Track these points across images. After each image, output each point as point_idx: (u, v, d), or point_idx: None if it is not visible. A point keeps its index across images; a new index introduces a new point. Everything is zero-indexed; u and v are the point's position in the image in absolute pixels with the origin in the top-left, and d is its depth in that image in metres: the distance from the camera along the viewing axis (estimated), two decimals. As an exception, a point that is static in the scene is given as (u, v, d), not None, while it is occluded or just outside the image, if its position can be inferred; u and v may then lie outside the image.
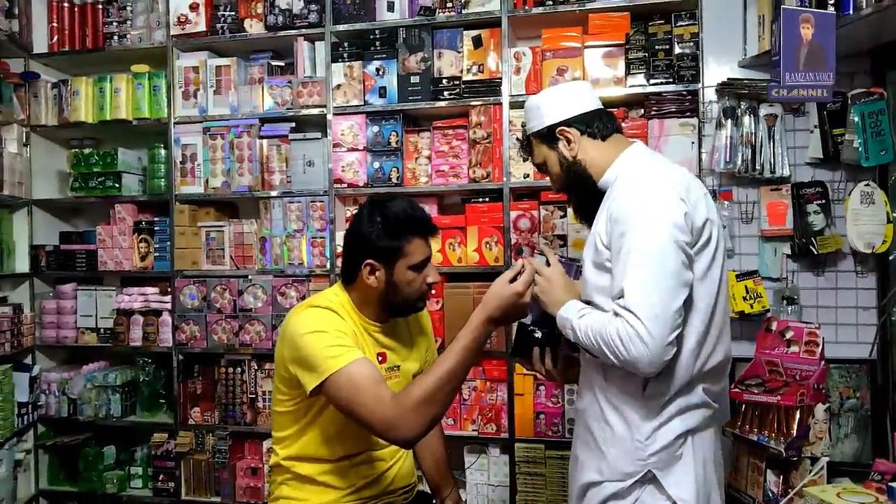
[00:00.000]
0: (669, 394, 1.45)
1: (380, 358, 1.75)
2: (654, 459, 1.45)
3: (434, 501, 1.96)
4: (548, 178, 1.73)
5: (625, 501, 1.48)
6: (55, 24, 3.03)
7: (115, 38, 3.00)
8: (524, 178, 2.56)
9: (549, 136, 1.64)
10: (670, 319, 1.36)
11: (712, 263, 1.47)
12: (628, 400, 1.48)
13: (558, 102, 1.63)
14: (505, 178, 2.58)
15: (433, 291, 1.73)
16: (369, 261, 1.66)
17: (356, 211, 1.77)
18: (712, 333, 1.49)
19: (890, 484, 1.63)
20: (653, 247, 1.39)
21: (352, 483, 1.72)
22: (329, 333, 1.58)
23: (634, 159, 1.58)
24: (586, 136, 1.61)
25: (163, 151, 2.96)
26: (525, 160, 2.54)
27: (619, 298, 1.40)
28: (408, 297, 1.70)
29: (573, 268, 1.65)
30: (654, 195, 1.44)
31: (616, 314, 1.39)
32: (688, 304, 1.43)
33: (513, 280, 1.56)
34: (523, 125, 1.75)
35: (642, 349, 1.34)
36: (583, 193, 1.64)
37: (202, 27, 2.87)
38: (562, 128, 1.62)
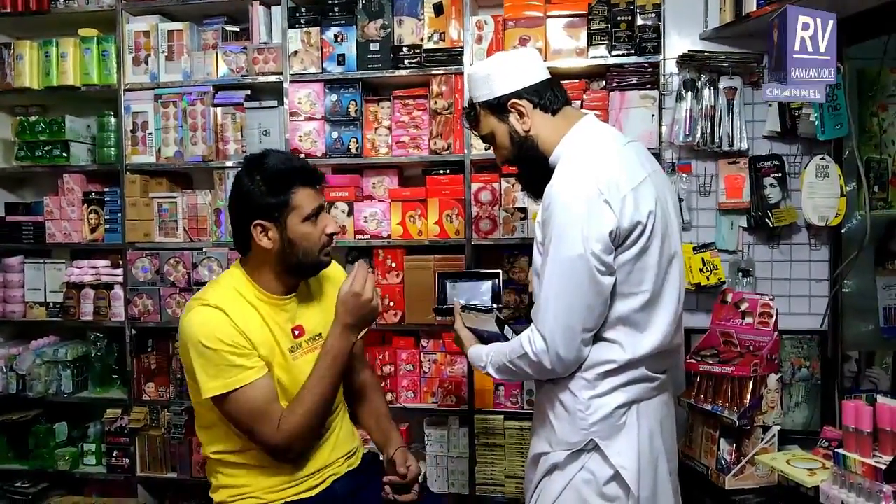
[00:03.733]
0: (606, 368, 1.47)
1: (296, 332, 1.70)
2: (595, 429, 1.48)
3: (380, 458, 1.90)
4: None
5: (570, 468, 1.51)
6: (-5, -16, 2.88)
7: (61, -1, 2.87)
8: (486, 149, 2.53)
9: (499, 107, 1.58)
10: (575, 332, 1.44)
11: (642, 255, 1.44)
12: (573, 375, 1.49)
13: (510, 72, 1.57)
14: (466, 150, 2.55)
15: (335, 243, 1.72)
16: (258, 221, 1.59)
17: (235, 175, 1.67)
18: (653, 321, 1.49)
19: (836, 450, 1.67)
20: (563, 260, 1.41)
21: (290, 460, 1.68)
22: (218, 352, 1.54)
23: (579, 140, 1.53)
24: (538, 110, 1.57)
25: (112, 119, 2.85)
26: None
27: (533, 308, 1.48)
28: (308, 251, 1.64)
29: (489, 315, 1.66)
30: (573, 202, 1.41)
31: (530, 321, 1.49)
32: (616, 294, 1.45)
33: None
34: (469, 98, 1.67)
35: (552, 360, 1.44)
36: (533, 169, 1.61)
37: (153, -11, 2.76)
38: (514, 100, 1.56)
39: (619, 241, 1.42)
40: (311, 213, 1.63)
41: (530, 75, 1.57)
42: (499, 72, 1.57)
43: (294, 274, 1.69)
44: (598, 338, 1.48)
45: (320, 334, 1.74)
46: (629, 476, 1.46)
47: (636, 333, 1.48)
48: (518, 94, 1.56)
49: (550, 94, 1.57)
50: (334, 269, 1.85)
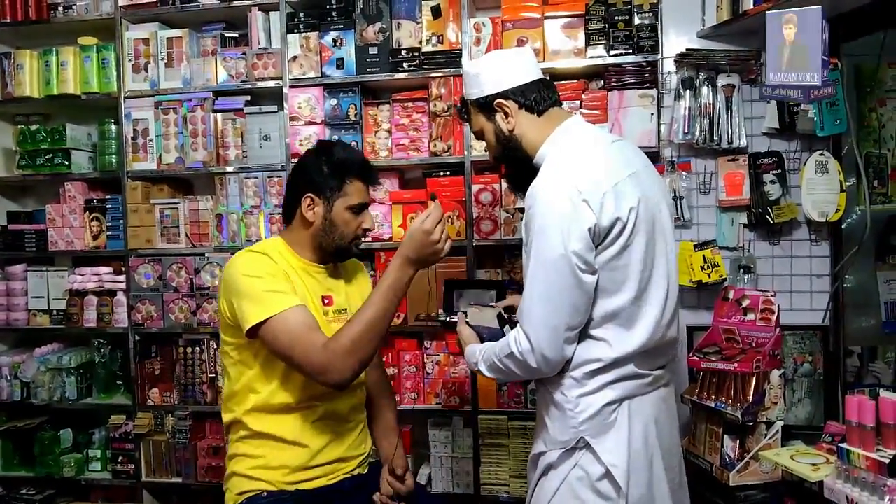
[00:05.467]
0: (594, 366, 1.48)
1: (325, 301, 1.79)
2: (584, 427, 1.48)
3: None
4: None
5: (564, 467, 1.52)
6: (-6, -6, 2.89)
7: (60, 8, 2.87)
8: (485, 151, 2.52)
9: (486, 106, 1.62)
10: (559, 331, 1.44)
11: (624, 252, 1.45)
12: (559, 375, 1.51)
13: (498, 71, 1.60)
14: (466, 152, 2.55)
15: (368, 238, 1.90)
16: (309, 194, 1.73)
17: (304, 152, 1.84)
18: (640, 318, 1.49)
19: (840, 445, 1.67)
20: (544, 260, 1.43)
21: (309, 441, 1.72)
22: (264, 279, 1.64)
23: (562, 141, 1.56)
24: (524, 110, 1.60)
25: (113, 127, 2.86)
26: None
27: (518, 307, 1.50)
28: (343, 236, 1.76)
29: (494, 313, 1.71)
30: (553, 202, 1.43)
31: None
32: (601, 292, 1.46)
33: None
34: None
35: (537, 359, 1.45)
36: (517, 168, 1.65)
37: (152, -3, 2.77)
38: (499, 100, 1.60)
39: (598, 238, 1.43)
40: (357, 205, 1.76)
41: (518, 76, 1.60)
42: (487, 71, 1.61)
43: (325, 252, 1.80)
44: (585, 336, 1.49)
45: (346, 309, 1.83)
46: (619, 474, 1.47)
47: (623, 331, 1.48)
48: (504, 94, 1.59)
49: (537, 95, 1.60)
50: (363, 269, 2.01)
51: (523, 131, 1.60)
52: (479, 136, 1.70)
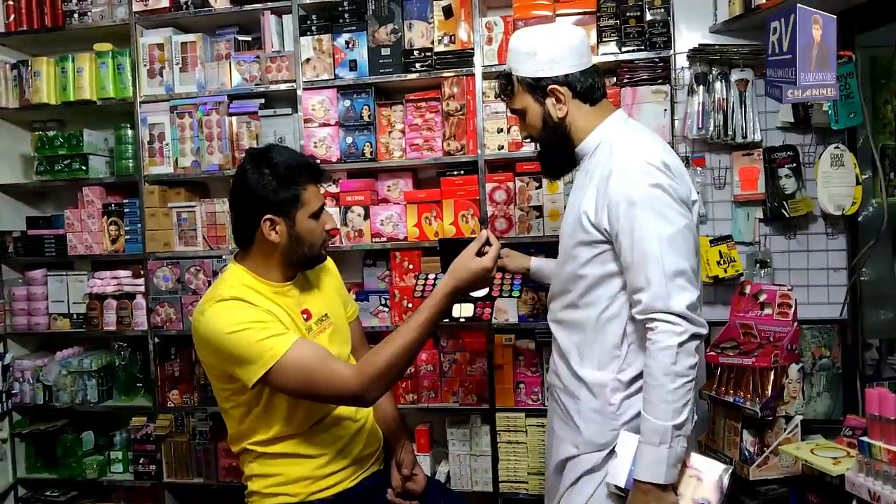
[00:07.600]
0: (641, 369, 1.47)
1: (305, 315, 1.72)
2: (627, 428, 1.48)
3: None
4: (526, 148, 1.74)
5: (598, 474, 1.51)
6: (11, 3, 2.92)
7: (76, 16, 2.90)
8: (499, 149, 2.55)
9: (538, 88, 1.54)
10: (697, 297, 1.41)
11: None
12: (601, 377, 1.50)
13: (556, 54, 1.52)
14: (479, 151, 2.56)
15: (333, 239, 1.80)
16: (268, 216, 1.59)
17: (237, 170, 1.67)
18: None
19: (861, 438, 1.67)
20: (672, 237, 1.39)
21: (323, 451, 1.70)
22: (251, 329, 1.52)
23: (617, 130, 1.54)
24: (577, 99, 1.54)
25: (129, 132, 2.89)
26: (500, 131, 2.53)
27: (640, 293, 1.40)
28: (312, 246, 1.67)
29: None
30: (654, 174, 1.41)
31: (651, 320, 1.39)
32: None
33: (479, 253, 1.58)
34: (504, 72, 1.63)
35: (698, 328, 1.39)
36: (557, 154, 1.61)
37: (165, 2, 2.78)
38: (554, 85, 1.53)
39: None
40: (318, 210, 1.66)
41: (576, 60, 1.53)
42: (544, 52, 1.52)
43: (295, 266, 1.71)
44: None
45: (326, 315, 1.78)
46: None
47: None
48: (559, 80, 1.53)
49: (592, 84, 1.54)
50: (326, 265, 1.89)
51: (573, 119, 1.55)
52: (519, 113, 1.61)
